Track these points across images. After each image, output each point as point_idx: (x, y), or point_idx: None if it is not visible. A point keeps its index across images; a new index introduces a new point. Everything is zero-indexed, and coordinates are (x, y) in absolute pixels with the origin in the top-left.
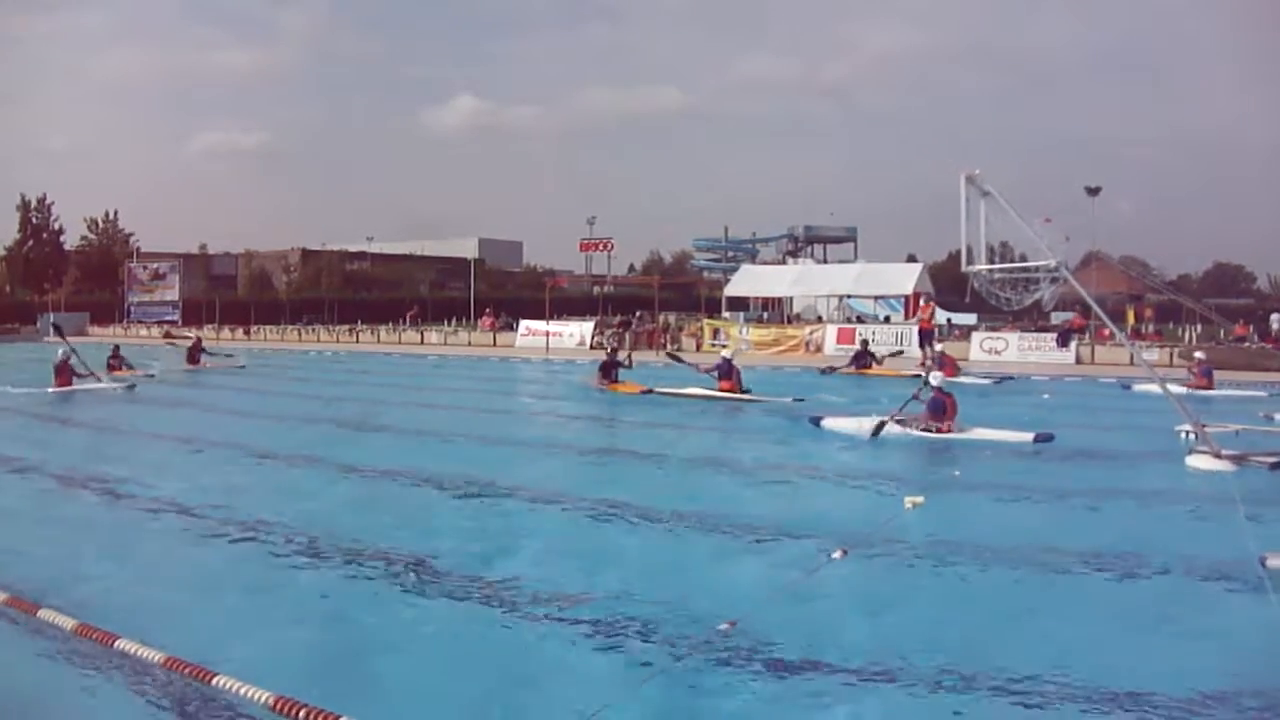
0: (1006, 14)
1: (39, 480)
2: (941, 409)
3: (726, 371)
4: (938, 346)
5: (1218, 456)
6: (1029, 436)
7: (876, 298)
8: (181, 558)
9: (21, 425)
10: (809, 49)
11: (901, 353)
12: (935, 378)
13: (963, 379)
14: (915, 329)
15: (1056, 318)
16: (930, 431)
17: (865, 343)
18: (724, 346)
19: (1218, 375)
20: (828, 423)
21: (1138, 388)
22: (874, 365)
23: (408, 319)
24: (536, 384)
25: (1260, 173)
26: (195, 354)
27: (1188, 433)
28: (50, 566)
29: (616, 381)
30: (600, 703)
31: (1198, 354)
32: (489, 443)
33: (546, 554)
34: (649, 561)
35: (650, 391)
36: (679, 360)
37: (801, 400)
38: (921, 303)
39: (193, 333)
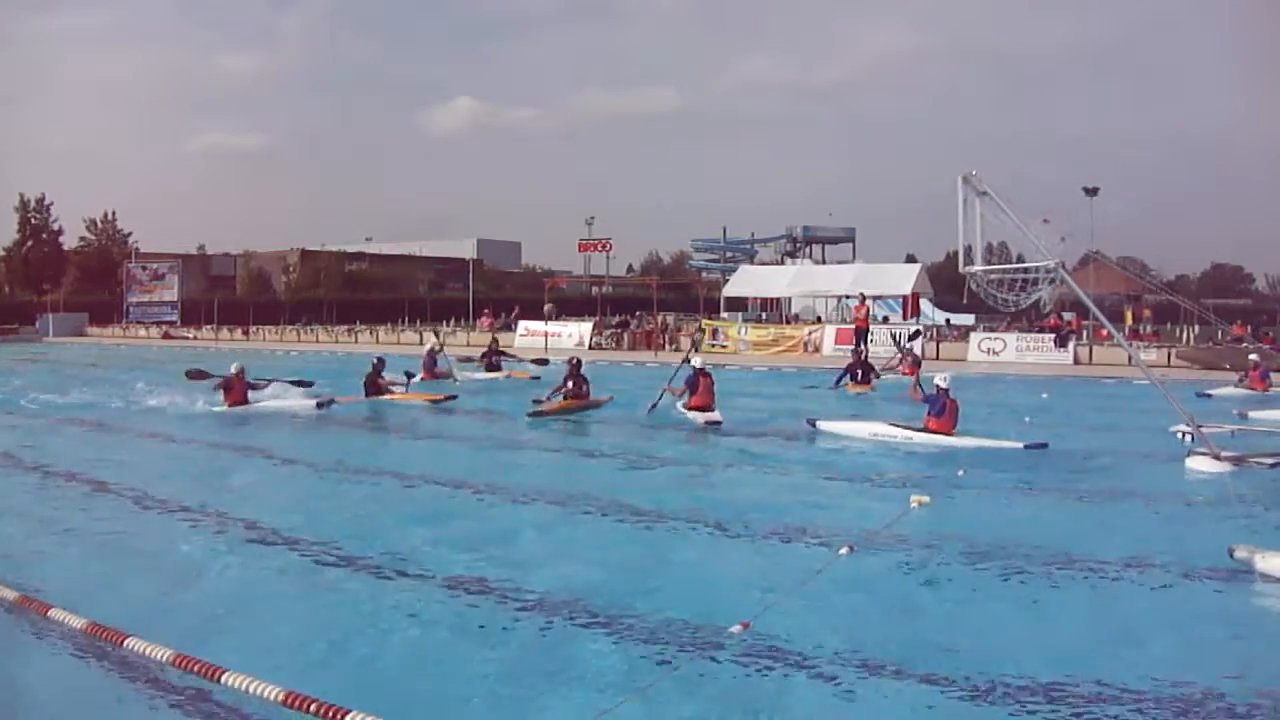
0: (1006, 14)
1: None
2: (942, 410)
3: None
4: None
5: (1218, 458)
6: (1019, 445)
7: (875, 298)
8: None
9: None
10: (807, 49)
11: (919, 333)
12: (943, 378)
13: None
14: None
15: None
16: (927, 432)
17: (857, 350)
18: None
19: (1215, 374)
20: (823, 425)
21: (1215, 392)
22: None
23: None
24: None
25: (1259, 173)
26: (492, 359)
27: (1183, 434)
28: None
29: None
30: (613, 701)
31: (1253, 356)
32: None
33: (557, 555)
34: (659, 563)
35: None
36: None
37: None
38: (856, 303)
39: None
